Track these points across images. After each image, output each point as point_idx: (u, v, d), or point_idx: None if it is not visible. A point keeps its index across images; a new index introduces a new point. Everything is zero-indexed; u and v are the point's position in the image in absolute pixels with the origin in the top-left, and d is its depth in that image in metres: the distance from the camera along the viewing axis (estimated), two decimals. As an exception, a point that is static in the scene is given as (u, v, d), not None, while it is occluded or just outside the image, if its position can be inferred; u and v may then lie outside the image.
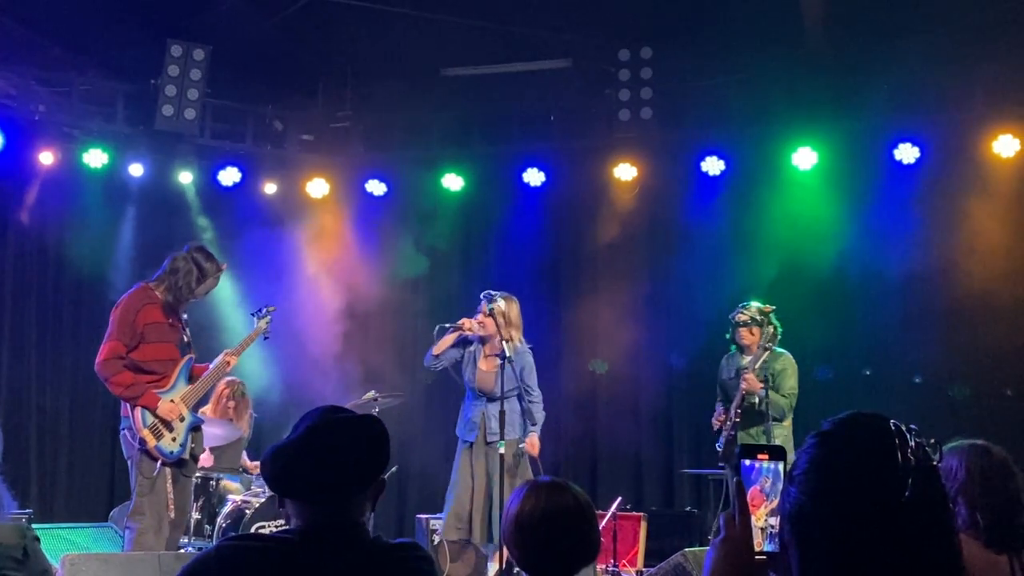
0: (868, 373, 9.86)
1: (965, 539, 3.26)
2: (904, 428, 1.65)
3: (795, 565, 1.64)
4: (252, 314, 7.34)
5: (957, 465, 3.39)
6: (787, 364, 7.89)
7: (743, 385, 7.78)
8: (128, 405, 6.49)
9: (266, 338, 7.32)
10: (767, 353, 7.85)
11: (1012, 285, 9.12)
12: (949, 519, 1.65)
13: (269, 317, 7.23)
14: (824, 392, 9.54)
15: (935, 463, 1.65)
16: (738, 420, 7.87)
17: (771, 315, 7.97)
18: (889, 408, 1.74)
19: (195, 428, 6.81)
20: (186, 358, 6.73)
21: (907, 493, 1.57)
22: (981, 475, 3.36)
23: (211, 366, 6.87)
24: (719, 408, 8.18)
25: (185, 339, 6.73)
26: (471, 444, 7.62)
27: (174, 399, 6.61)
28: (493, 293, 7.73)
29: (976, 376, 9.46)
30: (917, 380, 9.72)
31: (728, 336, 8.15)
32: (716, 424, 8.10)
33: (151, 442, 6.46)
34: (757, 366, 7.80)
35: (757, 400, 7.74)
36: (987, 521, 3.31)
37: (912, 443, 1.63)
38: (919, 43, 9.34)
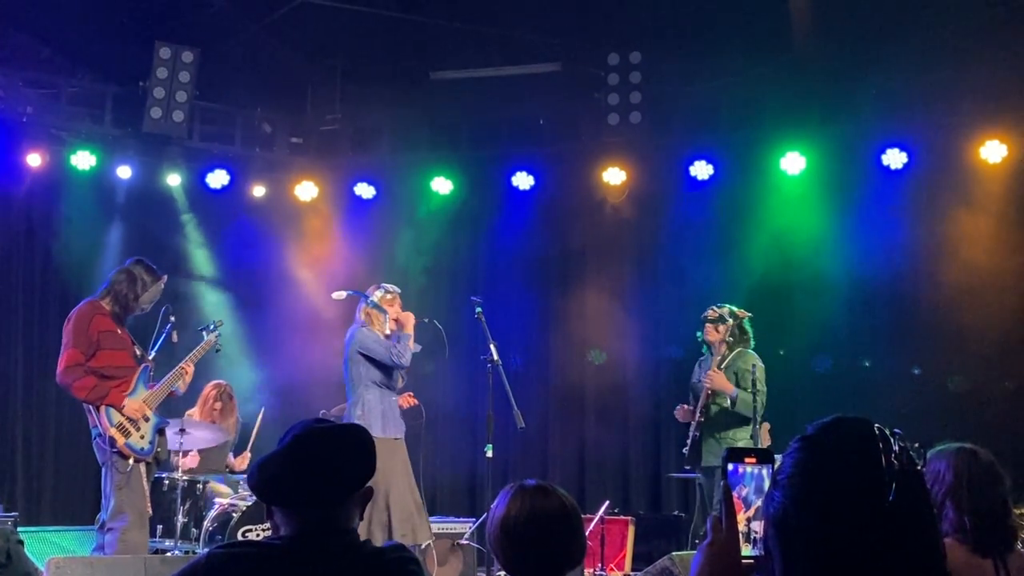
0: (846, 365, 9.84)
1: (952, 543, 3.27)
2: (888, 432, 1.65)
3: (778, 570, 1.64)
4: (200, 329, 7.48)
5: (944, 468, 3.40)
6: (752, 362, 7.70)
7: (707, 382, 7.67)
8: (93, 410, 6.58)
9: (218, 351, 7.49)
10: (733, 353, 7.77)
11: (997, 290, 9.15)
12: (933, 524, 1.65)
13: (218, 332, 7.37)
14: (811, 391, 9.58)
15: (919, 468, 1.65)
16: (702, 420, 7.77)
17: (744, 320, 7.90)
18: (867, 407, 1.74)
19: (160, 431, 6.90)
20: (143, 366, 6.84)
21: (890, 498, 1.57)
22: (969, 479, 3.37)
23: (169, 374, 7.02)
24: (680, 407, 8.09)
25: (137, 351, 6.86)
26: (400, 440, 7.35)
27: (128, 398, 6.70)
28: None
29: (961, 375, 9.50)
30: (902, 379, 9.76)
31: (699, 335, 8.09)
32: (679, 415, 8.01)
33: (120, 440, 6.56)
34: (724, 364, 7.73)
35: (729, 402, 7.61)
36: (974, 525, 3.32)
37: (896, 448, 1.63)
38: (907, 49, 9.38)
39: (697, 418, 7.76)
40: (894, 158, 9.74)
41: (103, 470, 6.65)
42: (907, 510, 1.59)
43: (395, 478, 7.10)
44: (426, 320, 7.55)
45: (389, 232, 11.15)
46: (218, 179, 10.93)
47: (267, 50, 10.38)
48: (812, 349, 9.89)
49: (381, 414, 7.17)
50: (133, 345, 6.86)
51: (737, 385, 7.66)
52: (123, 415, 6.61)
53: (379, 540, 6.90)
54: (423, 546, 7.73)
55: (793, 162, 10.02)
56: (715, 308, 7.94)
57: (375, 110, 10.97)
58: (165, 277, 7.10)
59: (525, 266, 10.88)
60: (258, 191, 11.16)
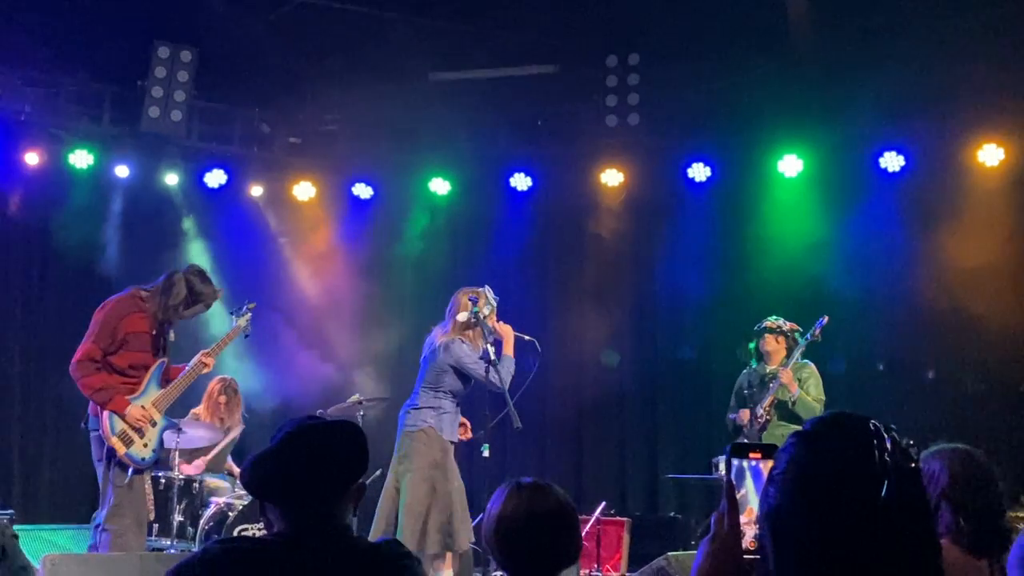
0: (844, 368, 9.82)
1: (947, 543, 3.27)
2: (883, 429, 1.65)
3: (772, 566, 1.64)
4: (231, 313, 7.30)
5: (939, 469, 3.39)
6: (812, 373, 8.04)
7: (781, 379, 7.85)
8: (98, 408, 6.48)
9: (247, 336, 7.30)
10: (791, 363, 7.96)
11: (993, 291, 9.15)
12: (928, 522, 1.65)
13: (249, 314, 7.20)
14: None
15: (914, 465, 1.64)
16: (769, 419, 7.88)
17: (795, 333, 8.07)
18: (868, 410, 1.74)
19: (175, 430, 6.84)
20: (158, 362, 6.70)
21: (883, 495, 1.57)
22: (964, 479, 3.36)
23: (187, 367, 6.86)
24: (737, 412, 8.15)
25: (157, 348, 6.71)
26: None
27: (144, 404, 6.59)
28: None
29: (954, 377, 9.51)
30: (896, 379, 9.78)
31: (752, 346, 8.17)
32: (741, 420, 8.06)
33: (120, 450, 6.42)
34: (790, 367, 7.93)
35: (790, 401, 7.80)
36: (970, 525, 3.32)
37: (889, 445, 1.62)
38: (905, 51, 9.38)
39: (762, 417, 7.85)
40: (892, 161, 9.75)
41: (99, 464, 6.54)
42: (901, 507, 1.59)
43: (455, 481, 7.09)
44: (526, 338, 7.34)
45: (387, 233, 11.15)
46: (216, 178, 10.93)
47: (265, 50, 10.37)
48: (809, 350, 9.87)
49: (451, 421, 7.16)
50: (152, 344, 6.69)
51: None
52: (126, 422, 6.47)
53: (437, 541, 6.92)
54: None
55: (791, 165, 10.03)
56: (772, 320, 8.11)
57: (373, 111, 10.96)
58: (220, 292, 6.96)
59: (522, 267, 10.88)
60: (256, 191, 11.15)
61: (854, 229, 9.80)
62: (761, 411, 7.88)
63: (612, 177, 10.53)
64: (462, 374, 7.11)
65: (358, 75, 10.68)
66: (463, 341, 7.12)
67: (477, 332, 7.17)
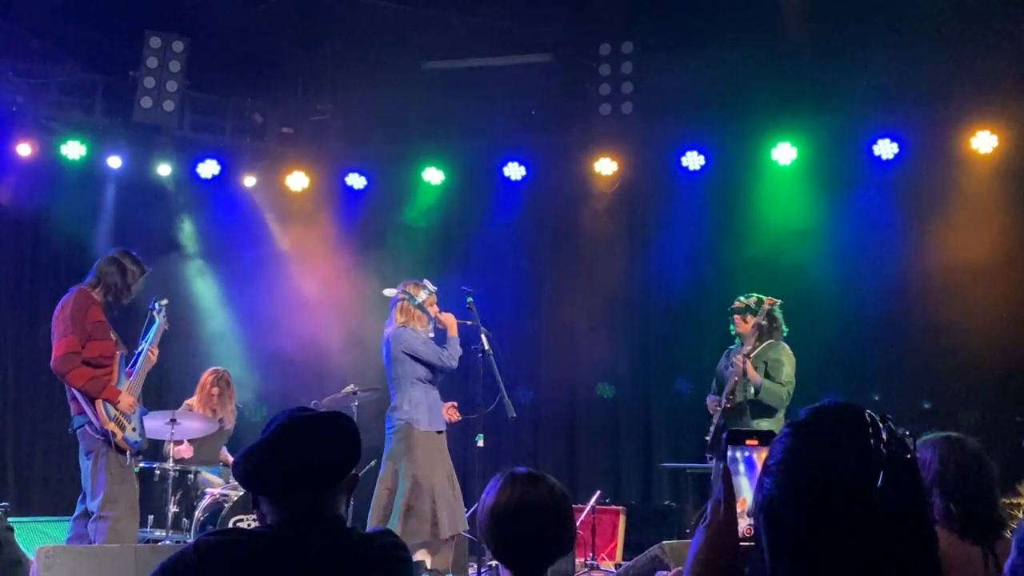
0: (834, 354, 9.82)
1: (939, 530, 3.27)
2: (878, 418, 1.65)
3: (766, 555, 1.64)
4: (150, 308, 7.27)
5: (931, 457, 3.41)
6: (783, 354, 7.66)
7: (734, 366, 7.61)
8: (84, 401, 6.53)
9: (166, 329, 7.33)
10: (764, 344, 7.68)
11: (986, 278, 9.17)
12: (924, 511, 1.65)
13: (163, 311, 7.24)
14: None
15: (910, 455, 1.64)
16: (728, 406, 7.71)
17: (774, 308, 7.75)
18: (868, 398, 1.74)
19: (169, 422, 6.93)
20: (119, 354, 6.80)
21: (878, 484, 1.57)
22: (956, 467, 3.38)
23: (139, 361, 6.96)
24: (712, 397, 8.03)
25: (113, 337, 6.82)
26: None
27: (124, 391, 6.69)
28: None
29: (953, 368, 9.52)
30: (894, 370, 9.78)
31: (731, 328, 8.03)
32: (711, 408, 7.95)
33: (119, 434, 6.53)
34: (753, 354, 7.61)
35: (753, 390, 7.53)
36: (961, 512, 3.33)
37: (885, 434, 1.62)
38: (898, 39, 9.39)
39: (723, 405, 7.70)
40: (885, 148, 9.76)
41: (88, 458, 6.61)
42: (896, 497, 1.58)
43: (437, 469, 7.24)
44: (468, 323, 7.54)
45: (380, 222, 11.14)
46: (209, 169, 10.91)
47: (258, 39, 10.34)
48: (802, 336, 9.89)
49: (427, 409, 7.30)
50: (110, 332, 6.82)
51: (767, 375, 7.57)
52: (117, 409, 6.58)
53: (423, 531, 7.07)
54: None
55: (784, 152, 10.04)
56: (741, 299, 7.83)
57: (366, 100, 10.93)
58: (149, 269, 7.09)
59: (516, 256, 10.88)
60: (249, 181, 11.13)
61: (848, 216, 9.82)
62: (724, 399, 7.73)
63: (606, 166, 10.53)
64: (421, 359, 7.30)
65: (351, 64, 10.66)
66: (406, 326, 7.37)
67: (421, 319, 7.42)
